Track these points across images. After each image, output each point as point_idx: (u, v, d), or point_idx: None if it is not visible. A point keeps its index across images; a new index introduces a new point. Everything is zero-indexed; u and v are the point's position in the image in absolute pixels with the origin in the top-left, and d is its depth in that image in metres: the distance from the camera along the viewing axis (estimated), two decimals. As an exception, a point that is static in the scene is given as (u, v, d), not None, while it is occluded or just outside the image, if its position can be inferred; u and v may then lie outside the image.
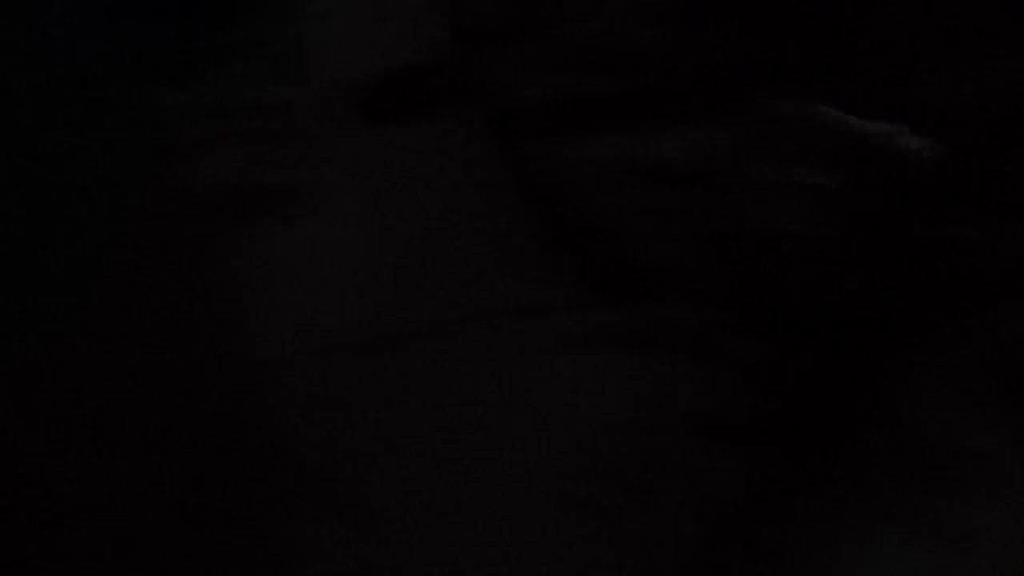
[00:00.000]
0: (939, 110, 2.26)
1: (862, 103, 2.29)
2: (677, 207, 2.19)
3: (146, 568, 1.79)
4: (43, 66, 2.56)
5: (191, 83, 2.49)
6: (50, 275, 2.19)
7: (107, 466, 1.92)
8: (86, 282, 2.17)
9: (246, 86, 2.45)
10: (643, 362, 1.96)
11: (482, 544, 1.79)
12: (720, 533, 1.77)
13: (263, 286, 2.15)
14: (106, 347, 2.09)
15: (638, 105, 2.35)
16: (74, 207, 2.29)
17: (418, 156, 2.34)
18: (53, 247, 2.23)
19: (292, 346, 2.05)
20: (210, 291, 2.14)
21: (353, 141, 2.36)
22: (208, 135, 2.38)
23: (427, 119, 2.39)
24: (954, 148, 2.21)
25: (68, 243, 2.24)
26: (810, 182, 2.19)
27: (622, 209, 2.18)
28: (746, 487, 1.81)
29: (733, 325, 2.00)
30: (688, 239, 2.14)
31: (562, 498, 1.83)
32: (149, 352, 2.08)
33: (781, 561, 1.74)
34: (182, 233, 2.23)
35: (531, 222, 2.20)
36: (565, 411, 1.92)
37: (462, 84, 2.43)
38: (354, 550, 1.80)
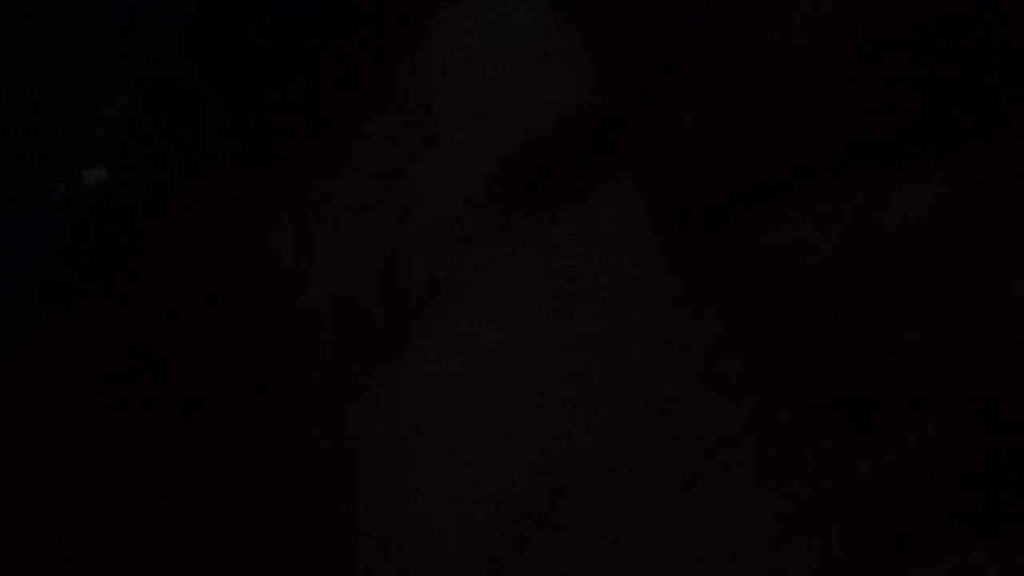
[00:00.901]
0: None
1: None
2: (914, 291, 1.74)
3: None
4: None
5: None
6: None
7: None
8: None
9: (372, 171, 2.02)
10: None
11: None
12: None
13: (404, 432, 1.74)
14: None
15: (843, 158, 1.91)
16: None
17: (577, 239, 1.90)
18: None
19: (450, 515, 1.64)
20: (347, 450, 1.73)
21: (498, 224, 1.93)
22: (333, 230, 1.97)
23: (582, 191, 1.95)
24: None
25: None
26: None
27: (849, 303, 1.74)
28: None
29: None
30: (936, 335, 1.69)
31: None
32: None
33: None
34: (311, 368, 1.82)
35: (736, 325, 1.76)
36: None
37: (617, 145, 1.99)
38: None
